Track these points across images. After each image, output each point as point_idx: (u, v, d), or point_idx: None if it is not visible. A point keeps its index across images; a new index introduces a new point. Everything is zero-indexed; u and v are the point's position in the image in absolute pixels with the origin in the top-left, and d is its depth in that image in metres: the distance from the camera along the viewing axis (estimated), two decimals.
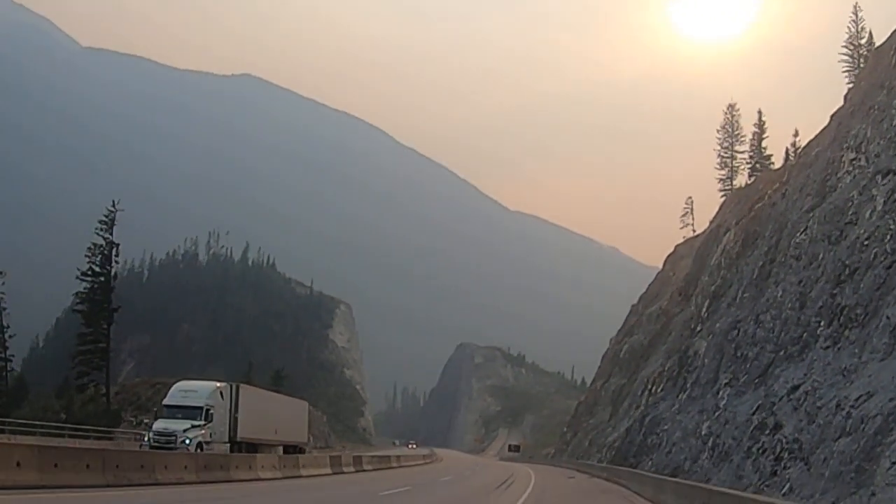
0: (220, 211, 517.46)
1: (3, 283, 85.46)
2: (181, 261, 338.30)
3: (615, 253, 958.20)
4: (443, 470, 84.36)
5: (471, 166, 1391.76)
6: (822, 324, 37.48)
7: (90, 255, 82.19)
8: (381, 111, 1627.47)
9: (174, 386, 58.37)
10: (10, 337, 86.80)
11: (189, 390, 56.21)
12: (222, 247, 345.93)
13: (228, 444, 55.99)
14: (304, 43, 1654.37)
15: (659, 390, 76.57)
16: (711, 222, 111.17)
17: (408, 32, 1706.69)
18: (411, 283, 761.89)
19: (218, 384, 58.28)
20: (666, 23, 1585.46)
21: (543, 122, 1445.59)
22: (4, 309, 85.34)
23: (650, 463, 61.53)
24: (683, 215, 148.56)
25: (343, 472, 62.12)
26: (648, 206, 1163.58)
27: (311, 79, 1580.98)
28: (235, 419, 57.65)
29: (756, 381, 44.37)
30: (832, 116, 60.66)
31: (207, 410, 53.75)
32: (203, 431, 52.59)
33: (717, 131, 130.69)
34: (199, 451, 49.61)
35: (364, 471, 68.13)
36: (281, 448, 66.71)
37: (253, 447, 59.45)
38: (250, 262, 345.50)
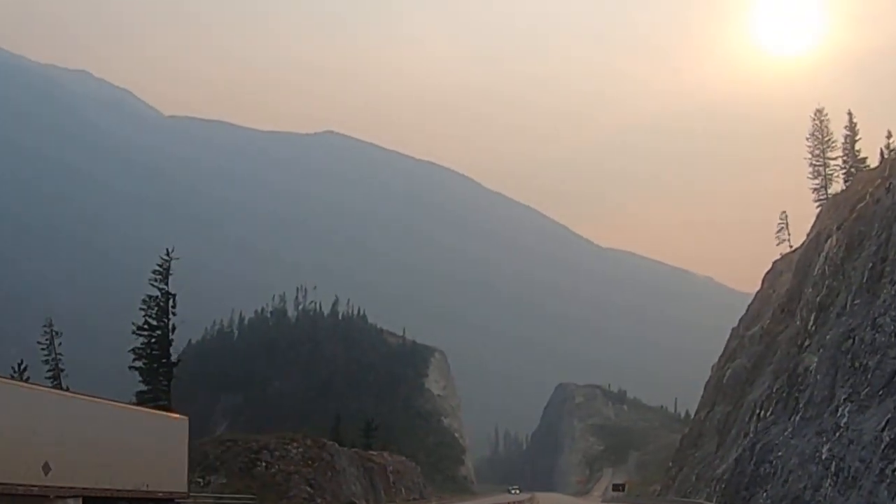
0: (307, 266, 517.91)
1: (61, 345, 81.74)
2: (270, 318, 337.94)
3: (710, 283, 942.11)
4: None
5: (560, 206, 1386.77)
6: None
7: (145, 308, 77.69)
8: (465, 157, 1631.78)
9: None
10: None
11: None
12: (311, 302, 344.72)
13: None
14: (383, 95, 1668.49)
15: (768, 414, 70.37)
16: (809, 233, 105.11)
17: (485, 75, 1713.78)
18: (507, 324, 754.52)
19: None
20: (740, 41, 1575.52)
21: (630, 154, 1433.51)
22: (62, 370, 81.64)
23: (765, 495, 55.68)
24: (779, 231, 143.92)
25: None
26: (741, 229, 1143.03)
27: (393, 130, 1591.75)
28: None
29: (881, 392, 38.73)
30: None
31: None
32: None
33: (807, 139, 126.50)
34: None
35: None
36: (71, 502, 38.00)
37: None
38: (340, 315, 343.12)
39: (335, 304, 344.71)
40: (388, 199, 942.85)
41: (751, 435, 75.02)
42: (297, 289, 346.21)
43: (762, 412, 75.28)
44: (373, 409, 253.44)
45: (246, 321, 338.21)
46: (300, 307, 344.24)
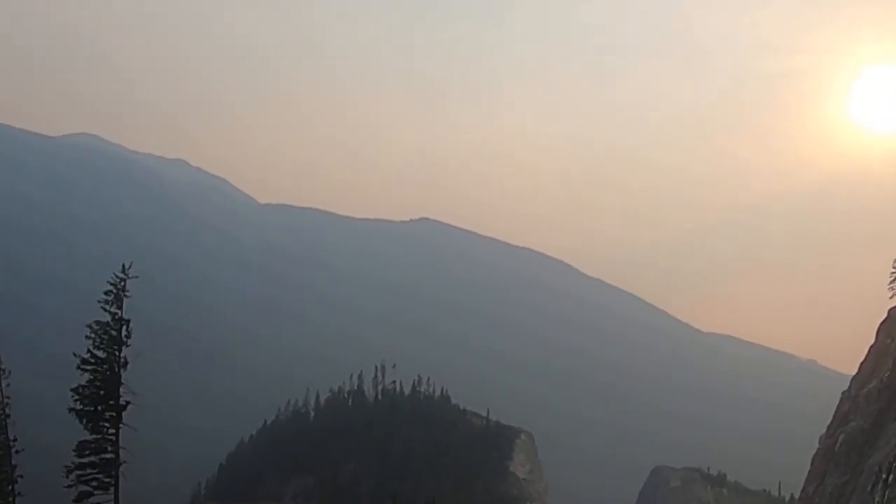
0: (392, 349, 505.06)
1: (9, 385, 66.59)
2: (348, 398, 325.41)
3: (814, 365, 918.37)
4: None
5: (661, 291, 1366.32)
6: None
7: (93, 335, 61.52)
8: (563, 244, 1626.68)
9: None
10: (17, 452, 67.16)
11: None
12: (392, 381, 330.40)
13: None
14: (479, 182, 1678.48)
15: None
16: None
17: (581, 159, 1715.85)
18: (601, 406, 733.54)
19: None
20: (839, 119, 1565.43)
21: (729, 235, 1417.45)
22: (9, 416, 66.31)
23: None
24: (892, 281, 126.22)
25: None
26: (845, 310, 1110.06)
27: (489, 217, 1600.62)
28: None
29: None
30: None
31: None
32: None
33: None
34: None
35: None
36: None
37: None
38: (421, 396, 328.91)
39: (416, 383, 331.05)
40: (482, 281, 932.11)
41: None
42: (376, 367, 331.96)
43: (890, 476, 59.47)
44: (452, 493, 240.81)
45: (322, 401, 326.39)
46: (379, 387, 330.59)
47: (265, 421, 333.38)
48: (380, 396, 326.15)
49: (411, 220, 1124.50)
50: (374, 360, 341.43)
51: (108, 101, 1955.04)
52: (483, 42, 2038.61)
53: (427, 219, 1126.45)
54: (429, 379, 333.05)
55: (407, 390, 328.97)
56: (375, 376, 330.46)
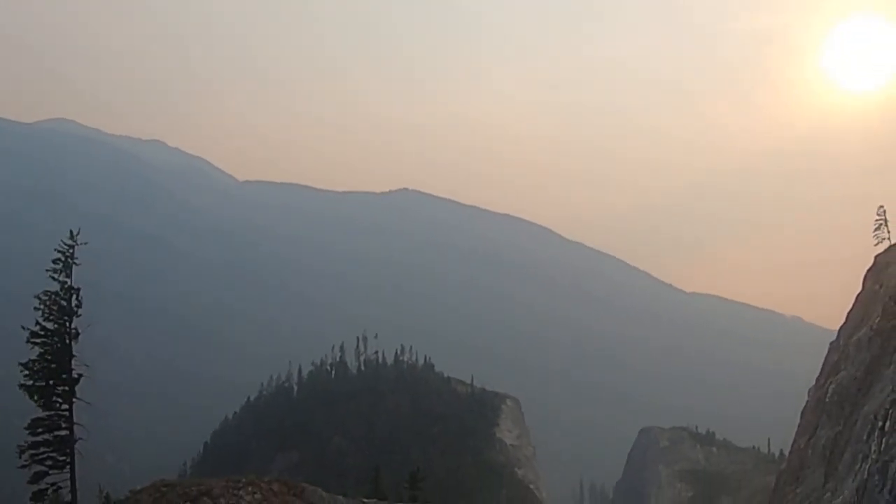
0: (368, 317, 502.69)
1: None
2: (330, 370, 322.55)
3: (798, 322, 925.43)
4: None
5: (643, 253, 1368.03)
6: None
7: (42, 306, 58.00)
8: (544, 209, 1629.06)
9: None
10: None
11: None
12: (374, 352, 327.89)
13: None
14: (459, 151, 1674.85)
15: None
16: None
17: (562, 126, 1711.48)
18: (588, 370, 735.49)
19: None
20: (816, 79, 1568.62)
21: (710, 197, 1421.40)
22: None
23: None
24: (877, 229, 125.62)
25: None
26: (827, 266, 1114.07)
27: (470, 185, 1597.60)
28: None
29: None
30: None
31: None
32: None
33: None
34: None
35: None
36: None
37: None
38: (405, 365, 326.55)
39: (398, 353, 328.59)
40: (464, 247, 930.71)
41: (873, 455, 57.22)
42: (358, 338, 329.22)
43: (887, 423, 57.08)
44: (441, 462, 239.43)
45: (305, 375, 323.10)
46: (362, 358, 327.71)
47: (249, 397, 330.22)
48: (363, 367, 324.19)
49: (391, 190, 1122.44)
50: (357, 332, 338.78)
51: (83, 86, 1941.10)
52: (458, 9, 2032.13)
53: (407, 189, 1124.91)
54: (411, 348, 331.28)
55: (390, 360, 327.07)
56: (357, 347, 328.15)
